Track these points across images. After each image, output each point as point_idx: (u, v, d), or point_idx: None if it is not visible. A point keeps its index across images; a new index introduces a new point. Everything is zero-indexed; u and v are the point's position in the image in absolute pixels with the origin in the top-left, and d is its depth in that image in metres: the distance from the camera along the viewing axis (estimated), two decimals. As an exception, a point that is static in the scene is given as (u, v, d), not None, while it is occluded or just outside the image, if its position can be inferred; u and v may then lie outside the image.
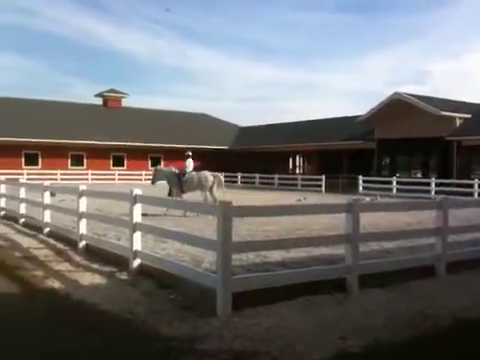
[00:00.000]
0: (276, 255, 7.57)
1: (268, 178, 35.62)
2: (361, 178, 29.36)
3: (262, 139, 41.92)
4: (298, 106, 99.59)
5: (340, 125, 35.77)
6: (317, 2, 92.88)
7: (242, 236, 8.82)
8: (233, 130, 48.72)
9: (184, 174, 15.21)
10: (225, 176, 38.48)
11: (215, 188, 14.75)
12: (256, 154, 42.78)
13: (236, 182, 37.26)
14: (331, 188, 29.99)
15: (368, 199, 20.17)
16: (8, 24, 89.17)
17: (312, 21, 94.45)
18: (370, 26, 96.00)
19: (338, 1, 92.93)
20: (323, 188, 30.75)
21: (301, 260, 7.29)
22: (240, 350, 4.10)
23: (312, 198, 22.80)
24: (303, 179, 33.86)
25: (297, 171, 42.22)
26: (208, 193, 14.89)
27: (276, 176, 35.16)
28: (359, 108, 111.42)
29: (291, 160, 43.10)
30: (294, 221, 11.19)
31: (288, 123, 43.53)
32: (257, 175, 36.51)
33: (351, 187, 29.23)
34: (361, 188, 28.89)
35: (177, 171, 15.56)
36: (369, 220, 9.80)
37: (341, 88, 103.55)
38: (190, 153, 16.25)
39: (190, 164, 15.71)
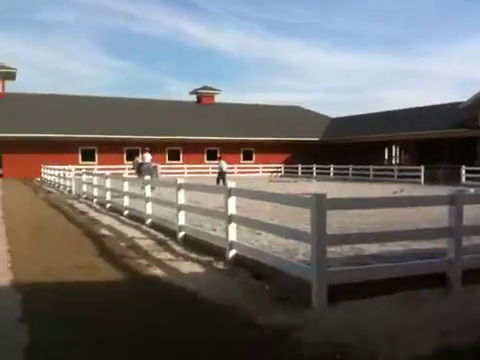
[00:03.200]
0: (372, 248, 7.41)
1: (362, 169, 34.56)
2: (464, 168, 27.55)
3: (355, 129, 40.84)
4: (392, 95, 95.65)
5: (438, 113, 33.83)
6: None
7: (335, 229, 8.72)
8: (324, 121, 48.03)
9: (143, 164, 22.45)
10: (317, 168, 38.11)
11: (155, 174, 21.69)
12: (349, 145, 41.80)
13: (328, 174, 36.68)
14: (431, 179, 28.49)
15: (473, 190, 18.96)
16: (108, 25, 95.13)
17: (407, 7, 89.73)
18: (472, 9, 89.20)
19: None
20: (422, 179, 29.32)
21: (398, 254, 7.07)
22: (336, 342, 4.08)
23: (410, 190, 21.85)
24: (400, 170, 32.55)
25: (393, 162, 40.60)
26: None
27: (371, 167, 34.03)
28: (456, 96, 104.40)
29: (387, 150, 41.53)
30: (390, 213, 10.82)
31: (382, 112, 41.97)
32: (350, 167, 35.59)
33: (453, 178, 27.52)
34: (464, 179, 27.13)
35: (141, 161, 23.07)
36: (474, 213, 9.21)
37: (439, 75, 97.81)
38: (148, 148, 24.14)
39: (147, 157, 23.01)
